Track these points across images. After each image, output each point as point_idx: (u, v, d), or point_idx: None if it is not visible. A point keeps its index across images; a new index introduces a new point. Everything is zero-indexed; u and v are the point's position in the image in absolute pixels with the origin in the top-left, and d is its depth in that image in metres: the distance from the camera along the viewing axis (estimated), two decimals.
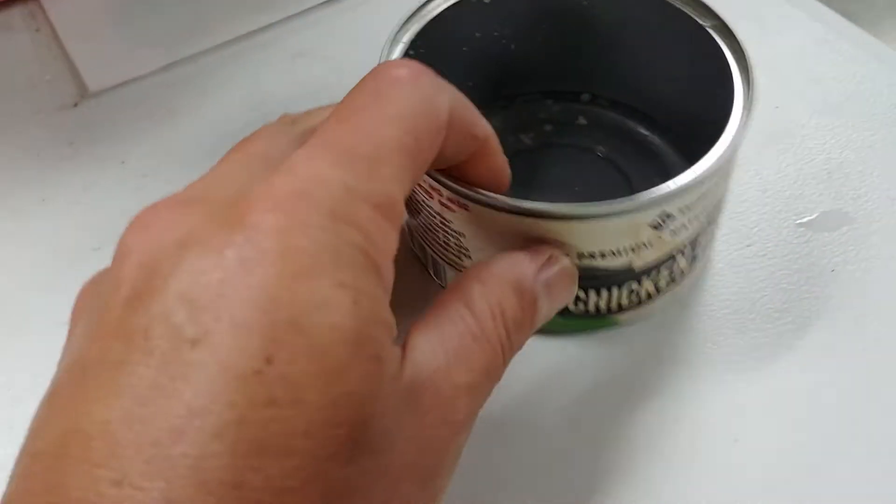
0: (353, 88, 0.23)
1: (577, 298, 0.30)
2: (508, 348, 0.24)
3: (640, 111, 0.37)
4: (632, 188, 0.34)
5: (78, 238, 0.36)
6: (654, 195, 0.27)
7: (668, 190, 0.27)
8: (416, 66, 0.23)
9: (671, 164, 0.36)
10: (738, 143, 0.28)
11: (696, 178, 0.27)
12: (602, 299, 0.30)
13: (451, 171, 0.27)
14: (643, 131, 0.37)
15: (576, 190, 0.35)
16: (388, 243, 0.21)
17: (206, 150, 0.39)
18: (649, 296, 0.31)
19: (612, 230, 0.27)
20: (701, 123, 0.30)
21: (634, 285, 0.30)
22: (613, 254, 0.28)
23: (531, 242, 0.27)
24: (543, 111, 0.38)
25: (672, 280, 0.31)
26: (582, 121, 0.38)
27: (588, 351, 0.32)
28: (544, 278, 0.26)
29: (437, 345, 0.22)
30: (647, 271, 0.30)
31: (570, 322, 0.31)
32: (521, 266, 0.25)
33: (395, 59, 0.25)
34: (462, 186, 0.27)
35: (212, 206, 0.20)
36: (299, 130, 0.25)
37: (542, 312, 0.26)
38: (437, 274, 0.33)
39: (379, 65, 0.24)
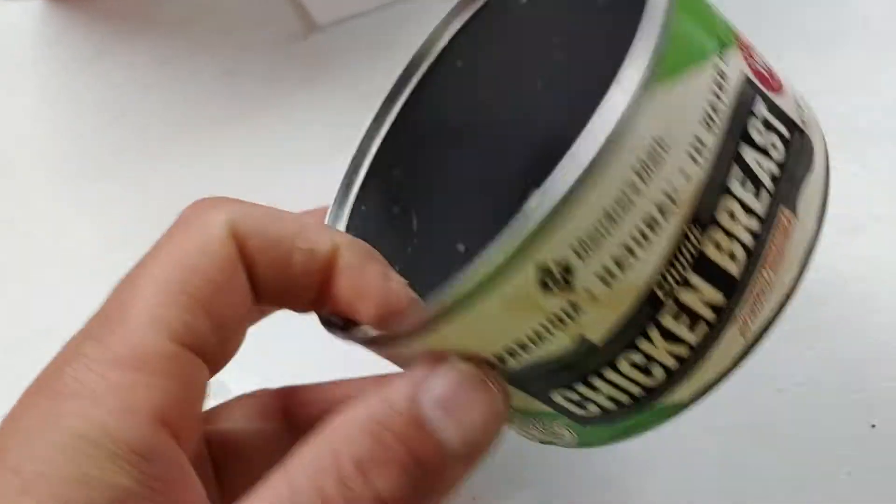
0: None
1: (572, 401, 0.21)
2: None
3: None
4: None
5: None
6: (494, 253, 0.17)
7: (514, 237, 0.17)
8: (197, 200, 0.21)
9: None
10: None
11: (559, 198, 0.17)
12: (600, 394, 0.20)
13: (323, 306, 0.22)
14: None
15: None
16: (129, 397, 0.19)
17: None
18: (681, 360, 0.20)
19: (494, 315, 0.18)
20: None
21: (626, 367, 0.20)
22: (535, 339, 0.19)
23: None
24: None
25: (717, 321, 0.20)
26: None
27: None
28: (434, 397, 0.18)
29: None
30: (628, 342, 0.19)
31: (604, 430, 0.22)
32: (381, 396, 0.18)
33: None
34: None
35: None
36: None
37: (451, 441, 0.18)
38: None
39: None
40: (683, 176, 0.19)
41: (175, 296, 0.19)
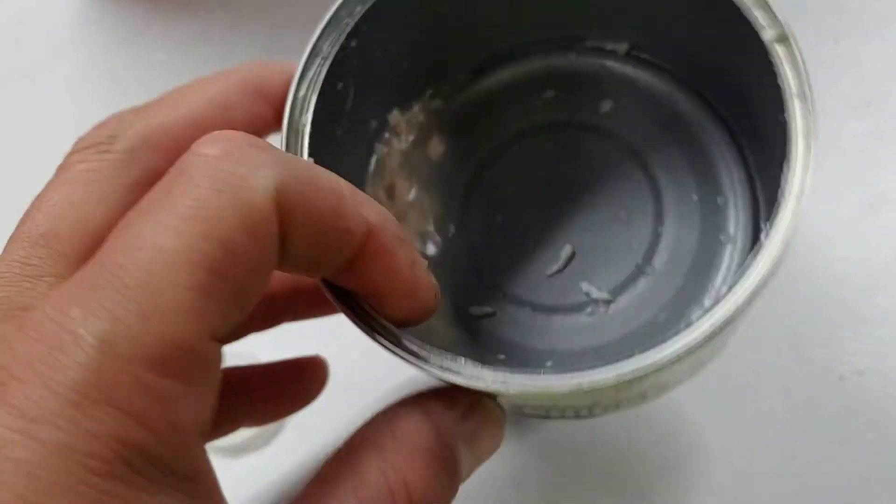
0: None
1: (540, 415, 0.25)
2: None
3: (687, 75, 0.28)
4: (661, 213, 0.27)
5: None
6: (607, 381, 0.19)
7: (627, 374, 0.19)
8: (229, 142, 0.17)
9: (724, 171, 0.27)
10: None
11: (666, 356, 0.20)
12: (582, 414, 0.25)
13: (344, 281, 0.20)
14: (687, 109, 0.28)
15: (579, 207, 0.27)
16: (174, 410, 0.15)
17: None
18: (644, 397, 0.25)
19: (566, 400, 0.22)
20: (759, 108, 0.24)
21: (611, 407, 0.25)
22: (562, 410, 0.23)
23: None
24: (549, 72, 0.29)
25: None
26: (604, 92, 0.29)
27: None
28: (466, 430, 0.20)
29: None
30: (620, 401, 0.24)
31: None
32: (435, 422, 0.20)
33: (208, 135, 0.18)
34: (352, 315, 0.20)
35: None
36: (120, 153, 0.20)
37: (464, 472, 0.20)
38: None
39: (195, 142, 0.18)
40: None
41: (215, 282, 0.16)
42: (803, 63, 0.22)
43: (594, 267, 0.27)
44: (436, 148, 0.30)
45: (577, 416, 0.26)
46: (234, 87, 0.23)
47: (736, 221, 0.27)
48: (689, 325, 0.20)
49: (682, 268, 0.27)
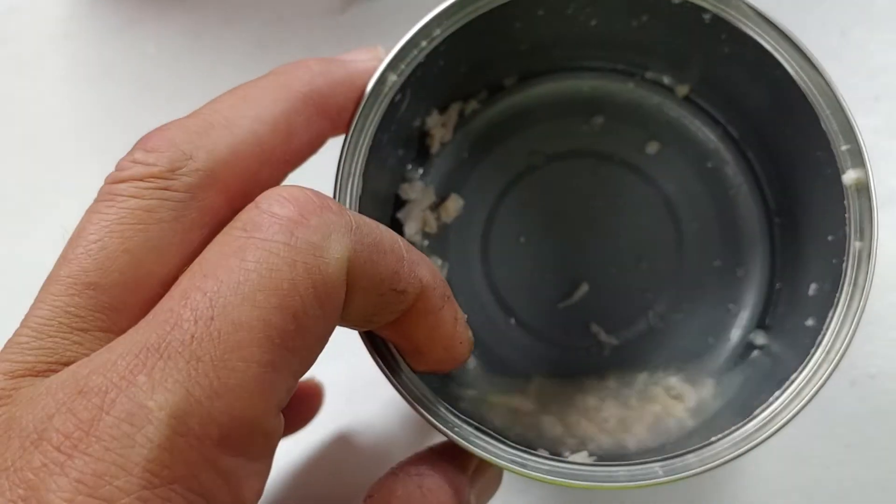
0: (222, 232, 0.17)
1: None
2: None
3: (736, 130, 0.28)
4: (680, 275, 0.27)
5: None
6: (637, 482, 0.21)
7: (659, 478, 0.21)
8: (302, 202, 0.17)
9: (749, 246, 0.28)
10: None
11: (680, 474, 0.21)
12: None
13: (384, 332, 0.20)
14: (731, 172, 0.28)
15: (604, 246, 0.28)
16: (239, 487, 0.15)
17: None
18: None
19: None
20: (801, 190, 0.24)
21: None
22: None
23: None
24: (603, 96, 0.29)
25: None
26: (653, 132, 0.28)
27: None
28: (475, 488, 0.22)
29: None
30: None
31: None
32: (452, 483, 0.21)
33: (283, 189, 0.17)
34: (391, 376, 0.21)
35: (3, 428, 0.15)
36: (181, 191, 0.18)
37: None
38: None
39: (261, 196, 0.17)
40: None
41: (285, 356, 0.16)
42: (874, 210, 0.22)
43: (606, 310, 0.28)
44: (471, 154, 0.30)
45: None
46: (298, 108, 0.21)
47: (749, 295, 0.28)
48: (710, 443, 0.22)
49: (690, 329, 0.28)
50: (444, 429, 0.21)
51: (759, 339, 0.27)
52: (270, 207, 0.17)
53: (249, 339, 0.15)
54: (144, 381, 0.15)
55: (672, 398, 0.27)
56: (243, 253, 0.16)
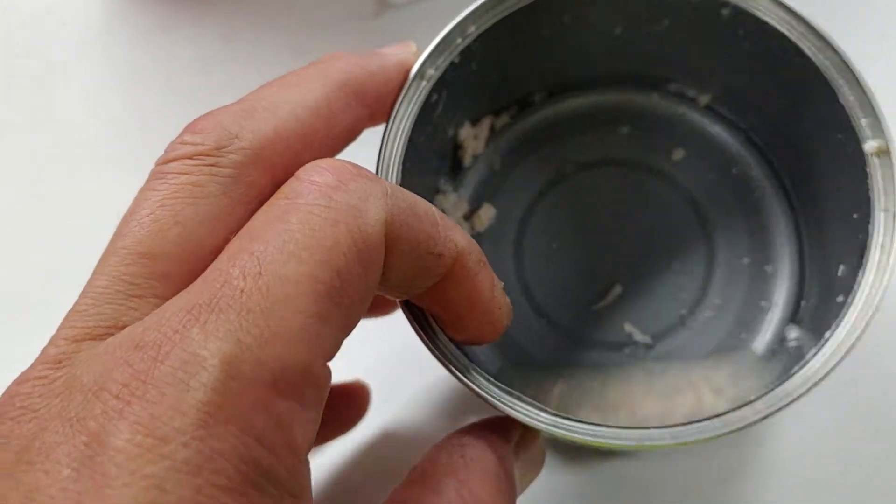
0: (266, 203, 0.18)
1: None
2: None
3: (759, 137, 0.30)
4: (710, 276, 0.28)
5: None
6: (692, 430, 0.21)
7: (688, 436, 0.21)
8: (341, 171, 0.18)
9: (778, 243, 0.29)
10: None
11: (721, 430, 0.21)
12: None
13: (424, 301, 0.21)
14: (756, 175, 0.29)
15: (634, 250, 0.29)
16: (290, 432, 0.16)
17: None
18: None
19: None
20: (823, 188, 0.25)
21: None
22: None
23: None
24: (628, 107, 0.30)
25: None
26: (678, 140, 0.30)
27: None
28: (519, 459, 0.22)
29: None
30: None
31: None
32: (497, 452, 0.21)
33: (321, 160, 0.19)
34: (431, 343, 0.22)
35: (65, 387, 0.16)
36: (228, 167, 0.19)
37: (518, 493, 0.22)
38: None
39: (301, 169, 0.18)
40: None
41: (331, 308, 0.17)
42: None
43: (639, 310, 0.29)
44: (502, 166, 0.31)
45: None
46: (336, 94, 0.22)
47: (780, 290, 0.28)
48: (747, 403, 0.21)
49: (723, 327, 0.28)
50: (484, 392, 0.22)
51: (793, 332, 0.28)
52: (310, 176, 0.18)
53: (296, 291, 0.16)
54: (197, 333, 0.16)
55: (711, 391, 0.27)
56: (287, 216, 0.17)
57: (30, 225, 0.39)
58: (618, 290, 0.29)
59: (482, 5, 0.26)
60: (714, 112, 0.30)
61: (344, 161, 0.19)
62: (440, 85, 0.26)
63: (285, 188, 0.18)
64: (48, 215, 0.39)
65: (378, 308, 0.29)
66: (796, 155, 0.28)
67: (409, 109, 0.25)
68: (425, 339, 0.22)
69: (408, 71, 0.24)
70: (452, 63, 0.25)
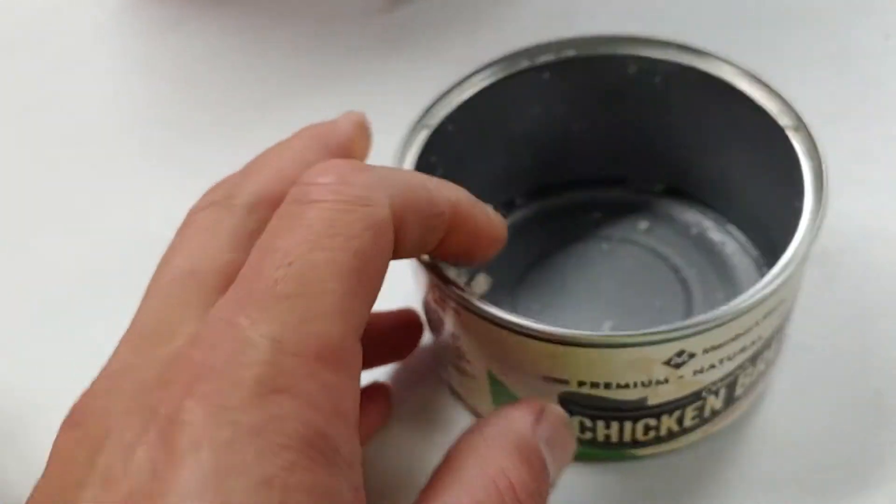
0: (278, 210, 0.20)
1: (583, 426, 0.27)
2: None
3: (713, 209, 0.35)
4: (691, 305, 0.32)
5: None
6: (667, 331, 0.24)
7: (683, 327, 0.24)
8: (340, 168, 0.21)
9: (745, 278, 0.32)
10: (791, 277, 0.25)
11: (717, 317, 0.24)
12: (612, 431, 0.27)
13: (438, 251, 0.24)
14: (715, 235, 0.34)
15: (619, 297, 0.33)
16: (338, 399, 0.18)
17: None
18: (672, 434, 0.28)
19: (617, 362, 0.24)
20: (777, 234, 0.28)
21: (652, 421, 0.27)
22: (620, 386, 0.25)
23: (522, 364, 0.25)
24: (597, 200, 0.36)
25: (702, 420, 0.28)
26: (642, 217, 0.35)
27: (605, 481, 0.29)
28: (543, 431, 0.22)
29: None
30: (668, 409, 0.26)
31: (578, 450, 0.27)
32: (516, 424, 0.22)
33: (317, 167, 0.21)
34: (450, 287, 0.25)
35: (133, 387, 0.19)
36: (240, 209, 0.23)
37: (551, 473, 0.22)
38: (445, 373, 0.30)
39: (303, 175, 0.21)
40: (772, 326, 0.26)
41: (354, 286, 0.19)
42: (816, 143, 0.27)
43: None
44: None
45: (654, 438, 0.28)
46: (309, 146, 0.25)
47: None
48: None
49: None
50: (504, 314, 0.24)
51: None
52: (315, 179, 0.20)
53: (325, 274, 0.18)
54: (244, 320, 0.18)
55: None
56: (303, 214, 0.20)
57: (55, 223, 0.38)
58: (609, 324, 0.32)
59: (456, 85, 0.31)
60: (672, 193, 0.36)
61: (338, 159, 0.21)
62: (437, 149, 0.29)
63: (293, 194, 0.20)
64: (57, 207, 0.39)
65: (395, 354, 0.32)
66: (748, 211, 0.33)
67: (411, 149, 0.29)
68: (443, 284, 0.25)
69: (360, 126, 0.26)
70: (449, 130, 0.30)
